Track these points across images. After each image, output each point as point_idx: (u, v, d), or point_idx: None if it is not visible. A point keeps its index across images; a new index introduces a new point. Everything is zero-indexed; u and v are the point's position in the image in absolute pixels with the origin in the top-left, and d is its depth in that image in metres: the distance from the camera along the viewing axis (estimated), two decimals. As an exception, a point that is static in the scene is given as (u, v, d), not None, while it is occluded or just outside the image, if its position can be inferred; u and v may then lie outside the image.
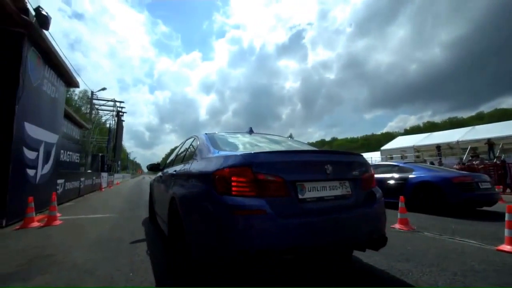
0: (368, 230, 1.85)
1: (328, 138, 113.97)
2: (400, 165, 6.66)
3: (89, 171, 14.96)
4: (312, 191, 1.70)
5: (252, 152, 1.75)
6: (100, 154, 19.25)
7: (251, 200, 1.52)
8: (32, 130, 5.21)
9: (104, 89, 20.44)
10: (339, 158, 2.00)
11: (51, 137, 6.38)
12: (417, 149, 25.79)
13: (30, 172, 5.21)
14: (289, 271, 2.21)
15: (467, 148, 19.10)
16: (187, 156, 2.64)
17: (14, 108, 4.47)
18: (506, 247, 2.77)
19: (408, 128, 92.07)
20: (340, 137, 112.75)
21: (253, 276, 2.08)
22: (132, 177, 44.65)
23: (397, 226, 3.97)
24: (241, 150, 1.97)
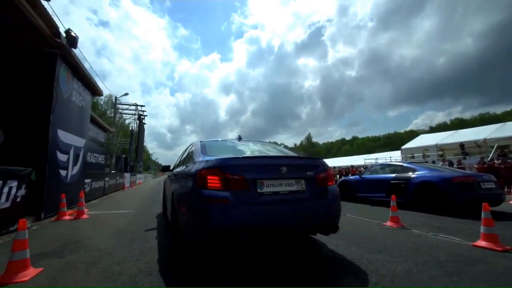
0: (319, 218, 2.30)
1: (348, 137, 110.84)
2: (404, 165, 6.72)
3: (113, 171, 16.13)
4: (269, 187, 2.19)
5: (224, 157, 2.28)
6: (123, 156, 20.58)
7: (220, 192, 2.06)
8: (64, 136, 5.99)
9: (126, 94, 21.84)
10: (295, 162, 2.50)
11: (79, 142, 7.20)
12: (441, 147, 24.74)
13: (62, 172, 5.99)
14: (274, 261, 2.59)
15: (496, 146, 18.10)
16: (186, 159, 3.14)
17: (49, 118, 5.23)
18: (481, 243, 2.94)
19: (434, 125, 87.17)
20: (362, 135, 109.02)
21: (243, 268, 2.48)
22: (154, 177, 46.65)
23: (388, 223, 4.19)
24: (220, 156, 2.44)
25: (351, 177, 8.35)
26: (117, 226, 4.28)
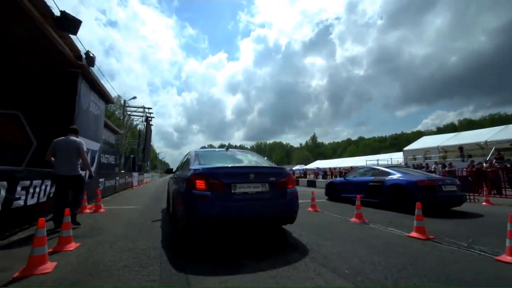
0: (278, 212, 3.18)
1: (356, 137, 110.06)
2: (381, 168, 7.44)
3: (122, 171, 17.22)
4: (240, 188, 3.04)
5: (209, 167, 3.19)
6: (132, 156, 21.74)
7: (204, 192, 2.92)
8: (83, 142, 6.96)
9: (134, 98, 23.06)
10: (261, 170, 3.37)
11: (95, 146, 8.19)
12: (444, 149, 25.13)
13: (83, 173, 6.96)
14: (246, 245, 3.45)
15: (499, 148, 18.45)
16: (184, 165, 4.04)
17: (72, 127, 6.20)
18: (413, 234, 3.72)
19: (442, 126, 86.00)
20: (369, 135, 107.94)
21: (226, 249, 3.35)
22: (160, 176, 47.87)
23: (353, 219, 4.97)
24: (207, 165, 3.36)
25: (337, 179, 9.12)
26: (129, 218, 5.21)
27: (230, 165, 3.38)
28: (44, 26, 4.64)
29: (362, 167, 8.82)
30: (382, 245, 3.29)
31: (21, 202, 3.96)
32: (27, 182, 4.11)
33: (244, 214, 2.97)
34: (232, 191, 2.99)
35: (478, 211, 6.28)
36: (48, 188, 4.83)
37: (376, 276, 2.28)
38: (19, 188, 3.87)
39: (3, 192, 3.48)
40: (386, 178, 6.73)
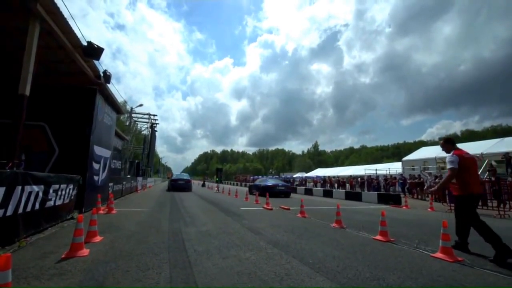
0: (186, 187, 17.56)
1: (360, 146, 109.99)
2: (265, 178, 15.36)
3: (128, 176, 18.06)
4: (178, 182, 17.68)
5: (174, 178, 18.27)
6: (136, 161, 22.62)
7: (172, 183, 17.68)
8: (98, 150, 7.80)
9: (141, 105, 24.07)
10: (184, 178, 18.37)
11: (107, 153, 9.03)
12: (442, 160, 25.77)
13: (96, 178, 7.79)
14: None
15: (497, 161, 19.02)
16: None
17: (90, 138, 7.05)
18: (378, 237, 4.41)
19: (443, 136, 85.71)
20: (374, 144, 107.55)
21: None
22: (163, 181, 48.61)
23: (333, 224, 5.67)
24: (175, 177, 16.60)
25: (254, 183, 17.60)
26: (139, 218, 5.98)
27: (177, 178, 17.66)
28: (74, 54, 5.53)
29: (263, 178, 17.97)
30: (347, 245, 4.01)
31: (52, 203, 4.76)
32: (57, 186, 4.91)
33: (180, 188, 16.90)
34: (178, 183, 17.22)
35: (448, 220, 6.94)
36: (71, 191, 5.62)
37: (331, 265, 3.02)
38: (51, 191, 4.67)
39: (41, 194, 4.28)
40: (264, 183, 14.63)
